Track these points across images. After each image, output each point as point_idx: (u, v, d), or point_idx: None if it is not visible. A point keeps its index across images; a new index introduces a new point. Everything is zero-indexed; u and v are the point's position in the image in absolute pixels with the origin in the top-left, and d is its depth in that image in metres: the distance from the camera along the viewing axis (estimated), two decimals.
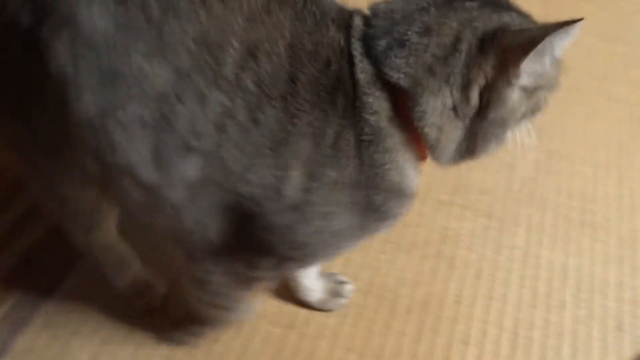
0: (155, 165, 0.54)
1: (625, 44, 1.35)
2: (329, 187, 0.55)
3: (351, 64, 0.54)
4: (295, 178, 0.53)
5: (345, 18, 0.56)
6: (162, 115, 0.52)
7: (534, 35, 0.50)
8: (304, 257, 0.63)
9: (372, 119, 0.53)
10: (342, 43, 0.54)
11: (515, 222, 0.97)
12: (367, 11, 0.58)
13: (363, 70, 0.54)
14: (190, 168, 0.54)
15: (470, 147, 0.57)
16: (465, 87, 0.53)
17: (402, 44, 0.53)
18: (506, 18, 0.54)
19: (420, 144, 0.56)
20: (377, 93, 0.53)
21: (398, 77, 0.53)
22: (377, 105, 0.54)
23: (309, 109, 0.52)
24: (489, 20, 0.53)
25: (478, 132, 0.56)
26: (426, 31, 0.53)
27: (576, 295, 0.88)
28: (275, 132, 0.52)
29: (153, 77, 0.50)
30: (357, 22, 0.56)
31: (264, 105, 0.51)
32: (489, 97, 0.53)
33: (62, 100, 0.53)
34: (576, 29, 0.50)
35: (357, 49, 0.54)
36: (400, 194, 0.58)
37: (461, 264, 0.91)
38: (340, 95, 0.53)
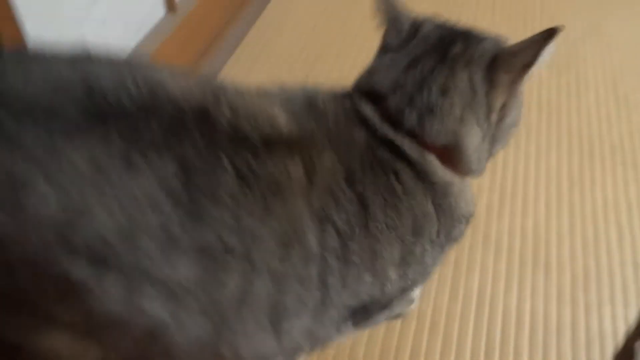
0: (276, 337, 0.56)
1: (575, 73, 1.39)
2: (421, 256, 0.62)
3: (394, 150, 0.59)
4: (393, 275, 0.60)
5: (352, 112, 0.60)
6: (276, 314, 0.54)
7: (534, 51, 0.57)
8: (407, 292, 0.69)
9: (437, 179, 0.61)
10: (368, 138, 0.59)
11: (470, 268, 0.98)
12: (356, 87, 0.64)
13: (410, 148, 0.60)
14: (306, 321, 0.57)
15: (493, 151, 0.66)
16: (488, 116, 0.61)
17: (431, 110, 0.59)
18: (487, 44, 0.62)
19: (466, 174, 0.65)
20: (429, 158, 0.60)
21: (442, 140, 0.60)
22: (434, 167, 0.61)
23: (383, 219, 0.57)
24: (481, 53, 0.61)
25: (498, 137, 0.65)
26: (445, 90, 0.59)
27: (532, 340, 0.89)
28: (367, 257, 0.57)
29: (256, 293, 0.51)
30: (368, 109, 0.60)
31: (352, 247, 0.55)
32: (504, 110, 0.63)
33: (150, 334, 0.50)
34: (560, 36, 0.57)
35: (392, 134, 0.59)
36: (469, 217, 0.67)
37: (417, 316, 0.91)
38: (396, 185, 0.58)
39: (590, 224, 1.05)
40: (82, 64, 0.50)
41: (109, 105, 0.47)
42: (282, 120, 0.55)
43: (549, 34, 0.57)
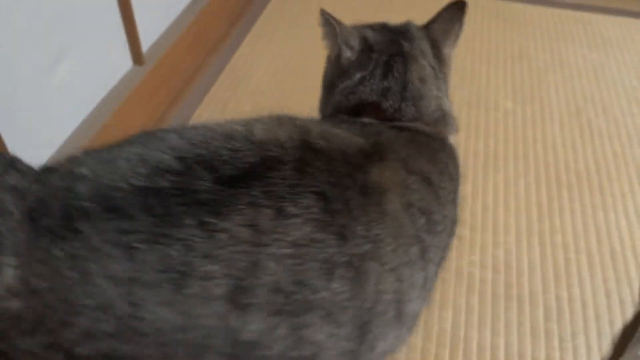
0: (400, 327, 0.59)
1: (539, 104, 1.41)
2: (457, 219, 0.71)
3: (418, 132, 0.70)
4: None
5: (354, 123, 0.69)
6: (399, 304, 0.56)
7: (459, 24, 0.78)
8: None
9: (449, 142, 0.75)
10: (387, 129, 0.68)
11: (443, 305, 0.97)
12: (337, 108, 0.75)
13: (423, 127, 0.71)
14: (417, 302, 0.61)
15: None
16: (445, 86, 0.78)
17: (421, 97, 0.73)
18: (415, 32, 0.78)
19: (451, 134, 0.78)
20: (435, 130, 0.73)
21: (435, 116, 0.75)
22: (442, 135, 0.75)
23: (444, 184, 0.66)
24: (421, 42, 0.77)
25: (448, 96, 0.80)
26: (422, 80, 0.74)
27: None
28: (449, 223, 0.66)
29: (385, 289, 0.54)
30: (365, 119, 0.70)
31: (435, 218, 0.62)
32: (449, 75, 0.81)
33: None
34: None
35: (400, 123, 0.70)
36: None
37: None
38: (438, 153, 0.70)
39: (561, 252, 1.05)
40: (157, 142, 0.51)
41: (233, 167, 0.48)
42: (346, 135, 0.61)
43: (462, 5, 0.76)
